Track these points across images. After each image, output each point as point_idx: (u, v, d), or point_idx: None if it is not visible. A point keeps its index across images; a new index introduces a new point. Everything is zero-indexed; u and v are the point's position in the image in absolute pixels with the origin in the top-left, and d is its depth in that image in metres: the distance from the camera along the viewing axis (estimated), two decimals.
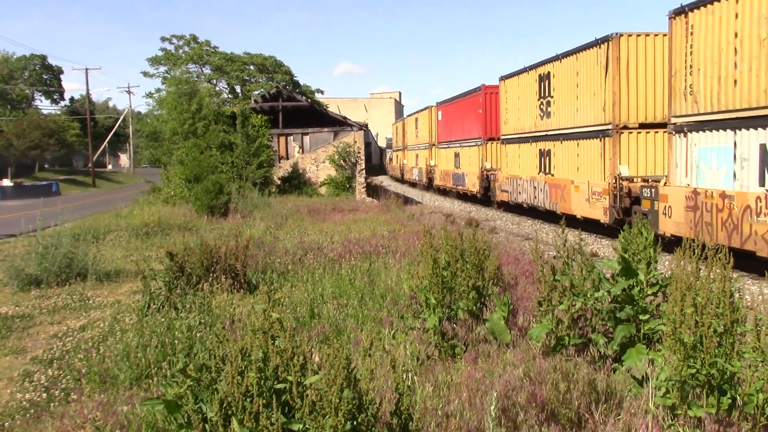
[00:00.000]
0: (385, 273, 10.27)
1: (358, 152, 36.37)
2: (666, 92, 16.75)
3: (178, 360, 3.59)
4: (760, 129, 12.96)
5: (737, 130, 13.67)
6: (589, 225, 20.17)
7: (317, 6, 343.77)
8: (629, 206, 17.98)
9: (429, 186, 44.72)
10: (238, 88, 64.43)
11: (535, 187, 24.59)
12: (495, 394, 3.95)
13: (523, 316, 6.93)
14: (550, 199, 23.01)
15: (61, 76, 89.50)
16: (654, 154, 18.75)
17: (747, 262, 13.10)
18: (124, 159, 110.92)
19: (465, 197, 36.00)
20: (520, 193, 26.28)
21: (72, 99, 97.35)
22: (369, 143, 76.67)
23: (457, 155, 36.44)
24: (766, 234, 12.31)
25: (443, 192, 40.31)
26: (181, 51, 63.90)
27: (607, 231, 19.61)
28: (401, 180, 57.78)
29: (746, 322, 4.42)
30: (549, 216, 23.78)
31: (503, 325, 6.35)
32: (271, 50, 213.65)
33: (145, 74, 65.01)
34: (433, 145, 42.91)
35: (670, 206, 15.84)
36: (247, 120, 32.37)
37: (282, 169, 35.78)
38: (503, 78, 28.69)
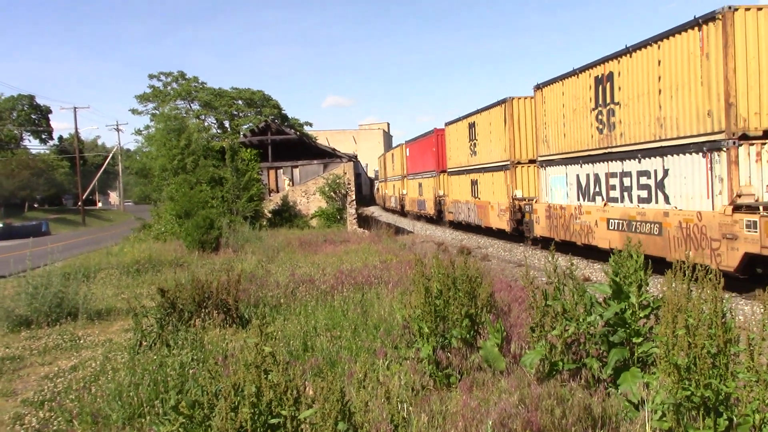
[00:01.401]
0: (378, 303, 10.23)
1: (348, 183, 36.46)
2: (523, 143, 25.90)
3: (170, 397, 3.56)
4: (576, 165, 20.56)
5: (567, 166, 21.34)
6: (499, 233, 27.93)
7: (304, 40, 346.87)
8: (521, 218, 25.36)
9: (402, 212, 52.43)
10: (226, 123, 64.62)
11: (468, 208, 32.24)
12: (490, 423, 3.92)
13: (516, 343, 6.91)
14: (478, 216, 30.63)
15: (50, 115, 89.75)
16: (536, 181, 24.85)
17: (735, 282, 13.18)
18: (114, 196, 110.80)
19: (426, 219, 43.25)
20: (460, 213, 33.95)
21: (61, 138, 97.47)
22: (359, 174, 76.92)
23: (420, 185, 44.52)
24: (579, 230, 20.10)
25: (416, 217, 46.54)
26: (169, 87, 64.20)
27: (509, 237, 27.07)
28: (385, 208, 63.45)
29: (739, 342, 4.42)
30: (478, 229, 31.40)
31: (497, 352, 6.33)
32: (259, 84, 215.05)
33: (134, 111, 65.18)
34: (404, 176, 50.34)
35: (539, 216, 23.34)
36: (236, 154, 32.44)
37: (272, 202, 35.80)
38: (447, 123, 36.33)
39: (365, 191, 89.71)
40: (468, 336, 6.90)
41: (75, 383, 7.54)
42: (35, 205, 79.86)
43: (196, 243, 21.20)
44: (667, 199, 15.87)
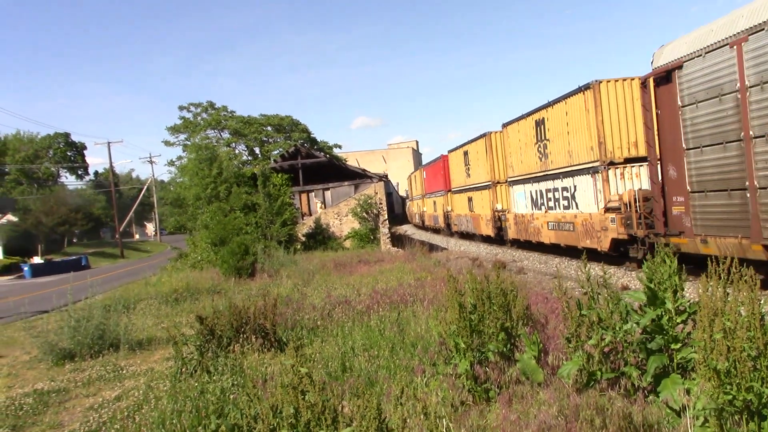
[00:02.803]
0: (414, 321, 10.24)
1: (380, 203, 36.59)
2: (499, 167, 32.26)
3: (210, 422, 3.63)
4: (529, 184, 27.47)
5: (524, 184, 28.09)
6: (488, 238, 34.83)
7: (330, 63, 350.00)
8: (500, 226, 32.31)
9: (423, 226, 59.21)
10: (257, 150, 65.41)
11: (467, 220, 38.83)
12: None
13: (553, 354, 6.87)
14: (473, 226, 37.30)
15: (85, 151, 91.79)
16: (508, 196, 31.06)
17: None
18: (150, 228, 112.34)
19: (438, 231, 50.13)
20: (461, 224, 40.58)
21: (96, 173, 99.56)
22: (390, 193, 77.11)
23: (434, 202, 50.89)
24: (533, 231, 26.97)
25: (433, 230, 53.25)
26: (199, 118, 65.27)
27: (493, 240, 34.06)
28: (415, 225, 67.59)
29: None
30: (472, 236, 38.46)
31: (534, 364, 6.30)
32: (287, 110, 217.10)
33: (166, 143, 66.44)
34: (424, 196, 56.98)
35: (510, 223, 30.49)
36: (267, 180, 32.81)
37: (306, 226, 36.05)
38: (450, 151, 43.04)
39: (397, 210, 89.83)
40: (504, 349, 6.88)
41: (119, 413, 7.67)
42: (74, 240, 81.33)
43: (232, 269, 21.42)
44: (576, 206, 22.66)
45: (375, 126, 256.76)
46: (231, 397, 7.06)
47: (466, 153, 37.61)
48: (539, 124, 25.27)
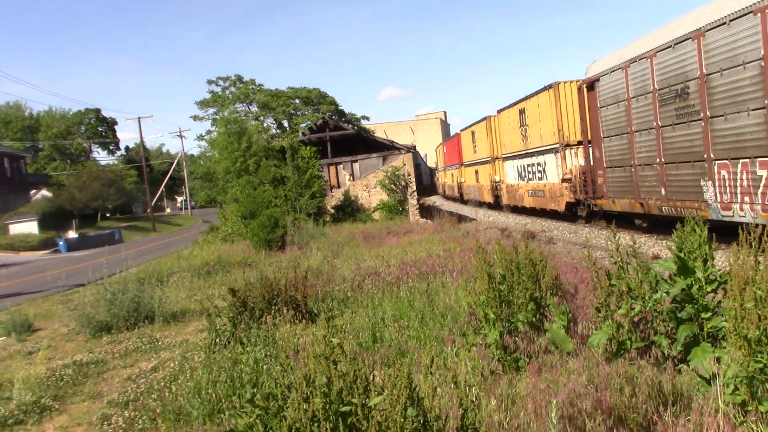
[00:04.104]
0: (443, 292, 10.29)
1: (408, 175, 36.53)
2: (497, 145, 37.62)
3: (246, 391, 3.73)
4: (515, 160, 33.30)
5: (513, 160, 34.04)
6: (488, 205, 41.36)
7: (358, 35, 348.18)
8: (497, 194, 38.55)
9: (444, 195, 67.04)
10: (285, 123, 65.53)
11: (474, 190, 46.17)
12: (554, 402, 3.96)
13: (583, 324, 6.89)
14: (478, 195, 44.64)
15: (115, 126, 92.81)
16: (502, 170, 36.86)
17: None
18: (180, 201, 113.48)
19: (454, 200, 58.03)
20: (470, 194, 48.06)
21: (127, 148, 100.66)
22: (418, 165, 76.91)
23: (452, 174, 58.63)
24: (518, 198, 33.39)
25: (449, 198, 62.00)
26: (227, 92, 65.47)
27: (492, 207, 40.27)
28: (442, 195, 71.39)
29: None
30: (479, 204, 44.56)
31: (564, 334, 6.33)
32: (315, 82, 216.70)
33: (195, 117, 66.89)
34: (445, 168, 64.64)
35: (504, 192, 37.00)
36: (296, 153, 32.89)
37: (334, 198, 36.16)
38: (461, 130, 49.88)
39: (425, 181, 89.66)
40: (534, 319, 6.92)
41: (156, 383, 7.86)
42: (107, 215, 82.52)
43: (263, 242, 21.61)
44: (546, 178, 28.36)
45: (403, 97, 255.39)
46: (264, 367, 7.19)
47: (473, 132, 43.97)
48: (522, 112, 30.95)
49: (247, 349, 8.21)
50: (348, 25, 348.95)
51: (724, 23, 14.21)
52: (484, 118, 39.26)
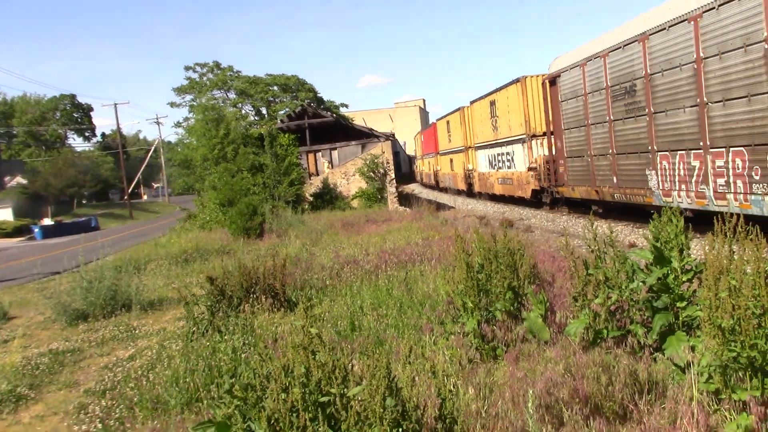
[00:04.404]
0: (421, 280, 10.33)
1: (387, 162, 36.53)
2: (470, 135, 38.53)
3: (224, 381, 3.72)
4: (487, 149, 34.51)
5: (484, 149, 35.18)
6: (461, 192, 43.09)
7: (337, 22, 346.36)
8: (470, 182, 39.74)
9: (422, 183, 68.31)
10: (263, 110, 65.12)
11: (449, 178, 47.48)
12: (531, 392, 4.00)
13: (560, 313, 6.94)
14: (452, 182, 46.03)
15: (91, 113, 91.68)
16: (475, 159, 37.88)
17: None
18: (157, 189, 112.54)
19: (431, 187, 59.60)
20: (445, 181, 49.65)
21: (103, 134, 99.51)
22: (397, 152, 76.89)
23: (429, 162, 60.07)
24: (489, 185, 34.80)
25: (426, 186, 63.50)
26: (205, 78, 64.88)
27: (466, 194, 41.83)
28: (421, 183, 72.01)
29: None
30: (455, 191, 45.63)
31: (541, 322, 6.38)
32: (293, 69, 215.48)
33: (172, 104, 66.28)
34: (422, 157, 66.12)
35: (476, 180, 38.05)
36: (274, 140, 32.74)
37: (313, 186, 36.08)
38: (437, 120, 51.95)
39: (404, 169, 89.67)
40: (512, 308, 6.95)
41: (133, 372, 7.82)
42: (83, 202, 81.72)
43: (241, 230, 21.52)
44: (514, 166, 29.61)
45: (382, 84, 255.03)
46: (242, 356, 7.18)
47: (448, 122, 45.35)
48: (492, 104, 32.11)
49: (225, 337, 8.18)
50: (327, 11, 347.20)
51: (664, 28, 15.57)
52: (458, 109, 40.39)
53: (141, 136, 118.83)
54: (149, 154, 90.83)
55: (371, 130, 40.50)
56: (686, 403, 4.36)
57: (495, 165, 33.00)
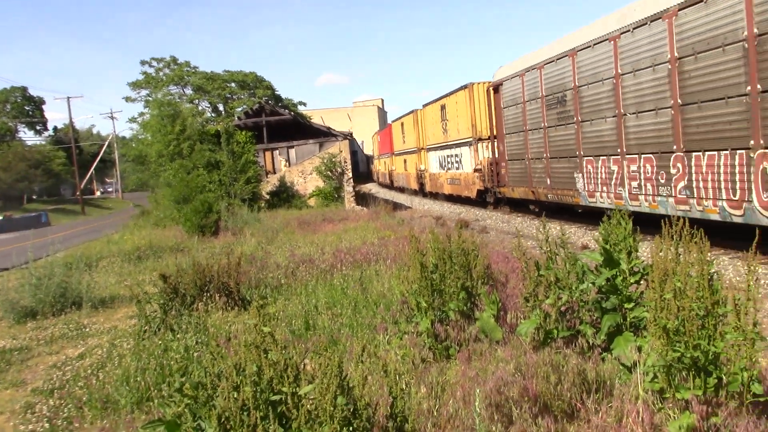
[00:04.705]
0: (377, 280, 10.35)
1: (345, 162, 36.50)
2: (422, 137, 40.14)
3: (174, 380, 3.69)
4: (437, 151, 36.08)
5: (435, 151, 36.63)
6: (414, 192, 44.58)
7: (296, 20, 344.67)
8: (422, 182, 41.43)
9: (379, 182, 69.23)
10: (220, 107, 64.54)
11: (403, 177, 49.23)
12: (478, 391, 4.05)
13: (512, 313, 7.04)
14: (406, 182, 47.66)
15: (43, 106, 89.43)
16: (427, 160, 39.34)
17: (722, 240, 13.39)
18: (113, 185, 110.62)
19: (386, 186, 61.19)
20: (399, 180, 51.42)
21: (55, 128, 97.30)
22: (355, 152, 76.93)
23: (384, 162, 61.69)
24: (439, 185, 36.33)
25: (382, 185, 65.21)
26: (161, 73, 64.05)
27: (417, 193, 43.61)
28: (378, 183, 72.90)
29: (727, 303, 4.52)
30: (409, 191, 46.62)
31: (493, 323, 6.46)
32: (252, 66, 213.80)
33: (128, 99, 65.36)
34: (378, 157, 67.87)
35: (427, 180, 39.76)
36: (231, 137, 32.42)
37: (270, 184, 35.86)
38: (392, 121, 54.77)
39: (362, 168, 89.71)
40: (465, 308, 7.02)
41: (83, 371, 7.69)
42: (34, 197, 79.87)
43: (196, 227, 21.30)
44: (462, 168, 30.99)
45: (341, 83, 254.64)
46: (195, 355, 7.12)
47: (402, 124, 47.01)
48: (443, 108, 33.55)
49: (178, 336, 8.10)
50: (287, 9, 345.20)
51: (590, 46, 17.25)
52: (412, 112, 42.26)
53: (95, 131, 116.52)
54: (103, 150, 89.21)
55: (329, 128, 40.42)
56: (632, 402, 4.46)
57: (445, 166, 34.69)
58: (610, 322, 5.41)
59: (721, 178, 12.62)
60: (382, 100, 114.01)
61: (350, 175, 36.71)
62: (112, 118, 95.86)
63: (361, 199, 39.90)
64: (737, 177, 12.16)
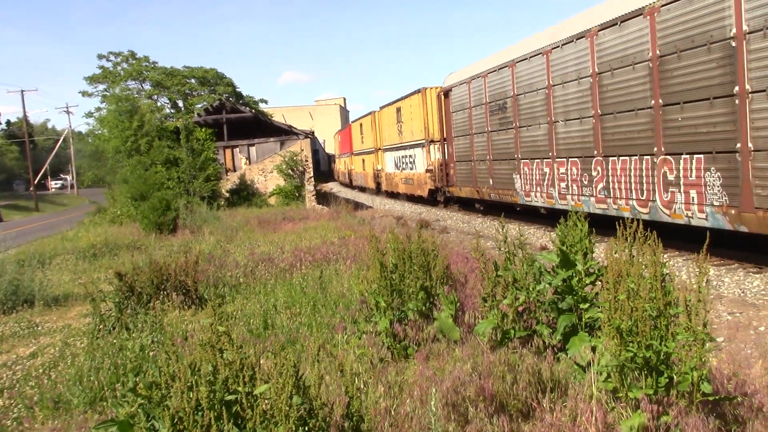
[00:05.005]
0: (336, 279, 10.33)
1: (306, 160, 36.36)
2: (379, 138, 41.52)
3: (128, 379, 3.64)
4: (393, 151, 37.44)
5: (391, 151, 37.79)
6: (371, 191, 46.27)
7: (259, 16, 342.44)
8: (378, 181, 42.99)
9: (338, 180, 71.18)
10: (180, 103, 63.72)
11: (361, 177, 50.57)
12: (434, 390, 4.08)
13: (470, 313, 7.09)
14: (364, 181, 49.44)
15: None
16: (383, 160, 40.85)
17: (676, 242, 13.69)
18: (67, 180, 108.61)
19: (346, 185, 62.53)
20: (358, 180, 52.66)
21: (8, 122, 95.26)
22: (316, 150, 76.68)
23: (344, 162, 62.94)
24: (395, 184, 37.56)
25: (342, 184, 65.90)
26: (119, 68, 63.03)
27: (375, 192, 45.11)
28: (339, 182, 73.64)
29: (678, 304, 4.61)
30: (367, 190, 48.75)
31: (451, 323, 6.50)
32: (214, 62, 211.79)
33: (84, 93, 64.07)
34: (339, 156, 69.22)
35: (383, 179, 41.17)
36: (191, 134, 32.06)
37: (230, 182, 35.56)
38: (352, 122, 56.94)
39: (323, 167, 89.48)
40: (424, 308, 7.06)
41: (34, 370, 7.53)
42: None
43: (153, 225, 21.03)
44: (416, 168, 32.42)
45: (304, 81, 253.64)
46: (150, 354, 7.02)
47: (361, 125, 48.67)
48: (398, 110, 35.01)
49: (133, 335, 7.98)
50: (250, 5, 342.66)
51: (527, 58, 18.98)
52: (370, 113, 43.60)
53: (50, 125, 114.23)
54: (58, 144, 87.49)
55: (290, 127, 40.25)
56: (586, 401, 4.53)
57: (399, 166, 36.39)
58: (566, 322, 5.48)
59: (632, 180, 14.30)
60: (345, 99, 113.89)
61: (311, 174, 36.59)
62: (68, 112, 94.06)
63: (323, 198, 39.82)
64: (644, 179, 13.84)
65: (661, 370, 4.49)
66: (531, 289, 5.80)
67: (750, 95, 10.89)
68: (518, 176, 20.21)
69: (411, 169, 33.41)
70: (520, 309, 5.96)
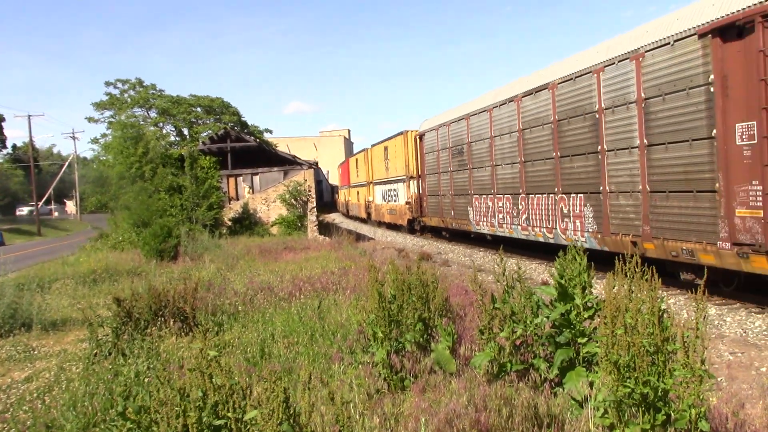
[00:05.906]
0: (335, 309, 10.29)
1: (309, 190, 36.42)
2: (371, 172, 44.56)
3: (117, 403, 3.61)
4: (381, 185, 41.36)
5: (380, 185, 41.79)
6: (362, 220, 50.72)
7: (267, 47, 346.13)
8: (369, 212, 46.70)
9: (340, 211, 73.45)
10: (185, 131, 64.05)
11: (356, 207, 54.51)
12: (423, 420, 4.03)
13: (467, 345, 7.04)
14: (357, 212, 53.29)
15: (3, 123, 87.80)
16: (373, 192, 44.35)
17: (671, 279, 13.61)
18: (71, 206, 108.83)
19: (344, 215, 65.99)
20: (352, 210, 57.40)
21: (14, 146, 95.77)
22: (320, 181, 76.90)
23: (344, 193, 66.96)
24: (382, 215, 41.57)
25: (345, 215, 67.57)
26: (126, 95, 63.49)
27: (365, 221, 49.10)
28: (342, 213, 74.64)
29: (676, 340, 4.57)
30: (359, 219, 53.52)
31: (448, 355, 6.45)
32: (220, 92, 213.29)
33: (90, 119, 64.40)
34: (340, 188, 72.50)
35: (373, 210, 45.01)
36: (195, 162, 32.19)
37: (232, 210, 35.59)
38: (348, 157, 64.07)
39: (327, 198, 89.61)
40: (421, 339, 7.01)
41: (28, 394, 7.47)
42: None
43: (154, 252, 21.03)
44: (398, 200, 35.82)
45: (309, 112, 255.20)
46: (145, 380, 6.97)
47: (357, 160, 53.09)
48: (386, 149, 38.67)
49: (129, 361, 7.93)
50: (257, 36, 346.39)
51: (476, 113, 23.53)
52: (363, 150, 49.04)
53: (55, 150, 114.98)
54: (63, 169, 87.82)
55: (294, 157, 40.42)
56: None
57: (386, 198, 40.16)
58: (563, 356, 5.44)
59: (542, 213, 18.55)
60: (349, 131, 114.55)
61: (314, 204, 36.62)
62: (73, 138, 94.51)
63: (325, 228, 39.81)
64: (550, 212, 18.03)
65: (658, 407, 4.44)
66: (528, 322, 5.77)
67: (606, 153, 14.97)
68: (471, 209, 24.70)
69: (395, 201, 37.32)
70: (518, 342, 5.92)
